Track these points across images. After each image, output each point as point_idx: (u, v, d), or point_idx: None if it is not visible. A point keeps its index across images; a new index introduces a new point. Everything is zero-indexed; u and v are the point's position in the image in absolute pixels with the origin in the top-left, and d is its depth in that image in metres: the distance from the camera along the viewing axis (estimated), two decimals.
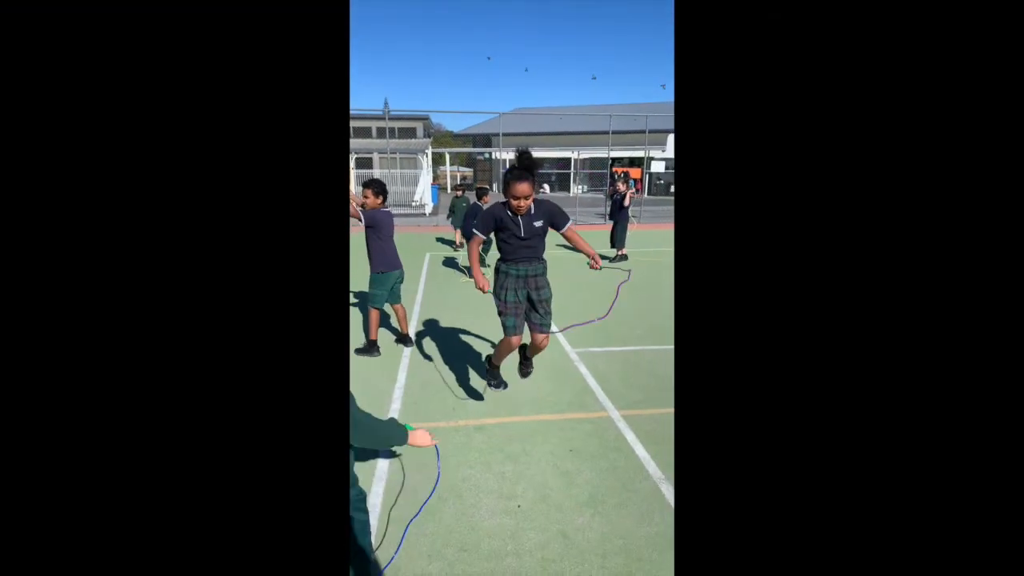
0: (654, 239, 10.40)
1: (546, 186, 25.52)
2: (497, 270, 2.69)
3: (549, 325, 2.73)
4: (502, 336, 2.71)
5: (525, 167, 2.48)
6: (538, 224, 2.57)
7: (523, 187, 2.45)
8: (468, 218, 6.39)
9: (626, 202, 7.78)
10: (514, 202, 2.48)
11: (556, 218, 2.62)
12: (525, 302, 2.67)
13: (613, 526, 2.09)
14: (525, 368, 2.97)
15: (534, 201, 2.54)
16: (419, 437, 1.68)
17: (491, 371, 2.99)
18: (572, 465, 2.52)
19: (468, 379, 3.53)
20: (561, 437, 2.78)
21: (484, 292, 2.61)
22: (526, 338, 2.78)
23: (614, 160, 20.51)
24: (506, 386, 3.05)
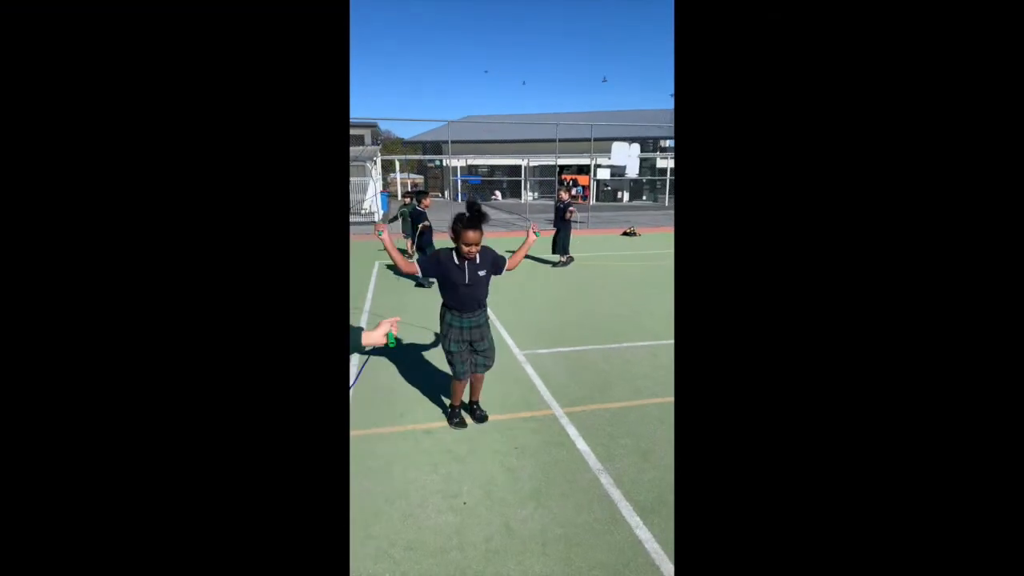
0: (600, 244, 10.73)
1: (498, 193, 25.75)
2: (442, 317, 2.83)
3: (487, 366, 2.94)
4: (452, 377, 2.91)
5: (475, 217, 2.58)
6: (482, 273, 2.71)
7: (475, 235, 2.56)
8: (413, 224, 6.42)
9: (567, 215, 7.93)
10: (465, 248, 2.59)
11: (497, 264, 2.79)
12: (468, 346, 2.84)
13: (554, 516, 2.20)
14: (476, 413, 3.11)
15: (481, 248, 2.67)
16: (372, 337, 1.75)
17: (452, 412, 3.07)
18: (517, 461, 2.62)
19: (418, 385, 3.56)
20: (507, 436, 2.88)
21: (377, 232, 2.61)
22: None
23: (562, 168, 21.00)
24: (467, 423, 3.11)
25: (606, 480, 2.46)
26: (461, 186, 24.20)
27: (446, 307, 2.80)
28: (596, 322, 5.07)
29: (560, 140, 13.79)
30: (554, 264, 8.09)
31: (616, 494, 2.35)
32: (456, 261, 2.67)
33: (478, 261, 2.68)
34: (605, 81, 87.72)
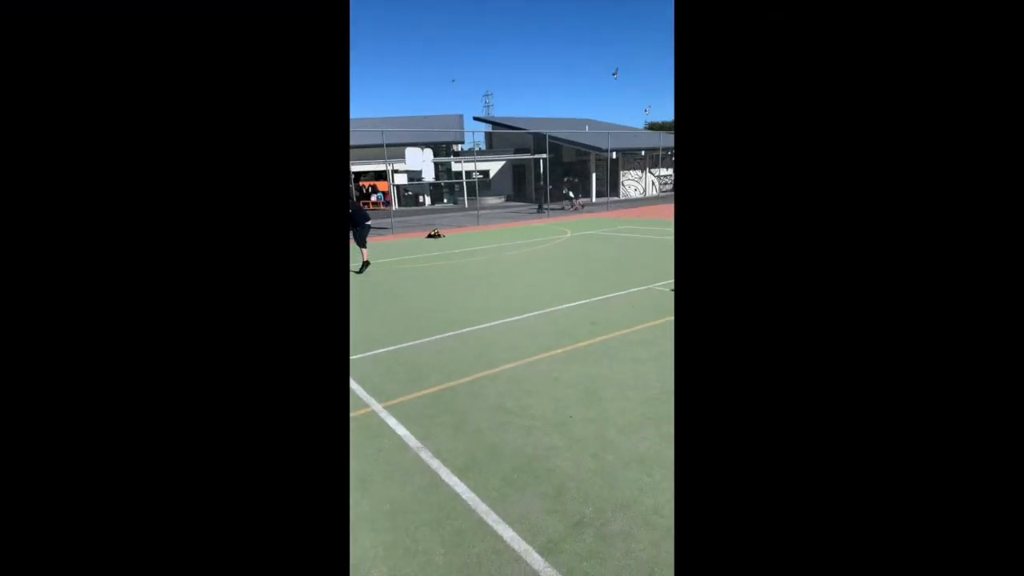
0: (406, 247, 10.96)
1: None
2: None
3: None
4: None
5: None
6: None
7: None
8: None
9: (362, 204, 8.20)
10: None
11: None
12: None
13: (381, 495, 2.40)
14: None
15: None
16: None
17: None
18: None
19: None
20: None
21: None
22: None
23: (358, 174, 20.53)
24: None
25: (426, 455, 2.73)
26: None
27: None
28: (407, 320, 5.31)
29: (353, 147, 13.55)
30: (358, 271, 8.07)
31: (435, 464, 2.64)
32: None
33: None
34: (616, 75, 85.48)
